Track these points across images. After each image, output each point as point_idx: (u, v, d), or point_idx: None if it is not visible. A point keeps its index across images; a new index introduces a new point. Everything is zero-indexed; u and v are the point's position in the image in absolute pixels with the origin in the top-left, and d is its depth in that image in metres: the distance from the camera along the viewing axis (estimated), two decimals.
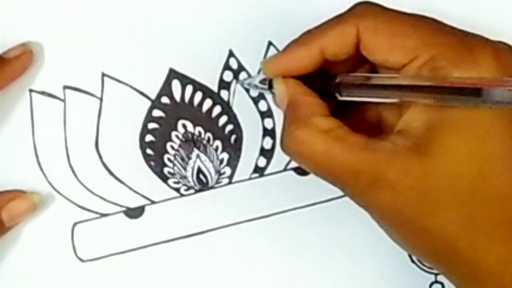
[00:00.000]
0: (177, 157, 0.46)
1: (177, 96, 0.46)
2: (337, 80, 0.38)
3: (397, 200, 0.35)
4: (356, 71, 0.39)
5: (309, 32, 0.39)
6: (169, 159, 0.46)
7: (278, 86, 0.39)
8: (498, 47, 0.36)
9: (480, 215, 0.35)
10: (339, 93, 0.38)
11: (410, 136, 0.36)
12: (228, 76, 0.47)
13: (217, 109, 0.47)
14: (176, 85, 0.46)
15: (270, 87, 0.39)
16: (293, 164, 0.46)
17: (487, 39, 0.37)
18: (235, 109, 0.47)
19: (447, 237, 0.35)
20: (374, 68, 0.39)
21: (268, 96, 0.46)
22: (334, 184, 0.37)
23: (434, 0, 0.46)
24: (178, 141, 0.46)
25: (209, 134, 0.47)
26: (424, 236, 0.35)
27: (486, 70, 0.35)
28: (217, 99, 0.47)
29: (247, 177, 0.47)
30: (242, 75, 0.46)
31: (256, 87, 0.41)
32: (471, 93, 0.34)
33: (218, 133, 0.47)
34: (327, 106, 0.38)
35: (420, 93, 0.35)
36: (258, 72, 0.45)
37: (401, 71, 0.37)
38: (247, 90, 0.46)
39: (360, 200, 0.36)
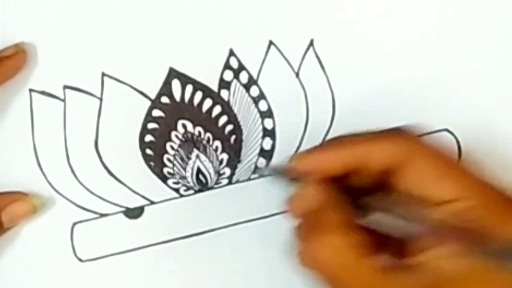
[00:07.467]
0: (176, 157, 0.46)
1: (177, 95, 0.46)
2: (365, 201, 0.38)
3: None
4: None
5: (356, 137, 0.38)
6: (168, 159, 0.46)
7: (311, 190, 0.38)
8: None
9: None
10: (364, 213, 0.37)
11: (425, 275, 0.35)
12: (228, 75, 0.46)
13: (217, 109, 0.46)
14: (176, 84, 0.46)
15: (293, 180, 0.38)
16: None
17: None
18: (235, 109, 0.46)
19: None
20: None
21: (268, 96, 0.46)
22: None
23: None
24: (178, 141, 0.46)
25: (209, 134, 0.46)
26: None
27: None
28: (217, 99, 0.46)
29: (247, 177, 0.46)
30: (243, 75, 0.46)
31: (278, 175, 0.40)
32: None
33: (218, 133, 0.46)
34: (351, 218, 0.37)
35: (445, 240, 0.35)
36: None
37: (430, 209, 0.36)
38: (247, 90, 0.46)
39: None
